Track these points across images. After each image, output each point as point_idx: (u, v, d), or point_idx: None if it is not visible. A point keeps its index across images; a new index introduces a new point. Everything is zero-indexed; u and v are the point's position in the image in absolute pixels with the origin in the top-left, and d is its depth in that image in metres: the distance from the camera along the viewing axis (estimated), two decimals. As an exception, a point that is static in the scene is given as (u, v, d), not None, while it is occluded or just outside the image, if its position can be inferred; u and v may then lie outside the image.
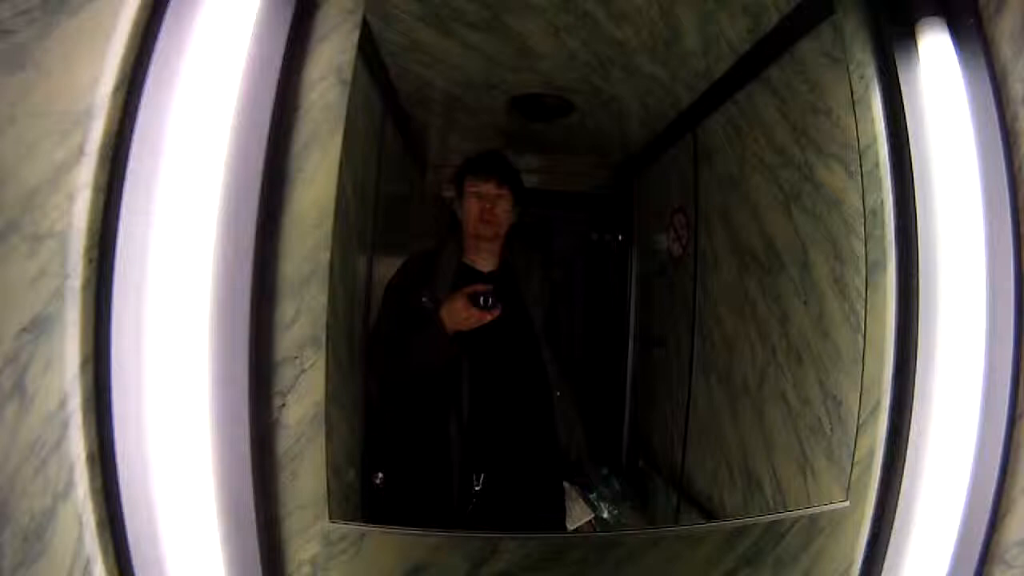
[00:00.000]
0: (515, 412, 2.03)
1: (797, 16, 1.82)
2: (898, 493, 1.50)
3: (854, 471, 1.57)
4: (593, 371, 4.01)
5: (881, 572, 1.56)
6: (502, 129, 2.92)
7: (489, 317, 1.87)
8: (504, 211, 2.09)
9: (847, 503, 1.57)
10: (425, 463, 1.98)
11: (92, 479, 1.02)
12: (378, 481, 2.00)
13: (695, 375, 2.64)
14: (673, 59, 2.21)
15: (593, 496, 2.60)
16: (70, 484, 0.99)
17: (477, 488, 1.92)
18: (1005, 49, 1.42)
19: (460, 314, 1.87)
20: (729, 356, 2.35)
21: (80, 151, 0.96)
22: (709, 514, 2.39)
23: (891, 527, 1.51)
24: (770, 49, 1.98)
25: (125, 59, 1.01)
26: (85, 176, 0.97)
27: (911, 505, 1.49)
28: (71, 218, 0.96)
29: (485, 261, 2.12)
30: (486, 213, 2.05)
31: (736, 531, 1.58)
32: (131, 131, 1.01)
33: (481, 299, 1.87)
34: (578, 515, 2.13)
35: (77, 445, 1.00)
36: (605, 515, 2.57)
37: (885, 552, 1.54)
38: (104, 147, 0.99)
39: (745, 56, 2.09)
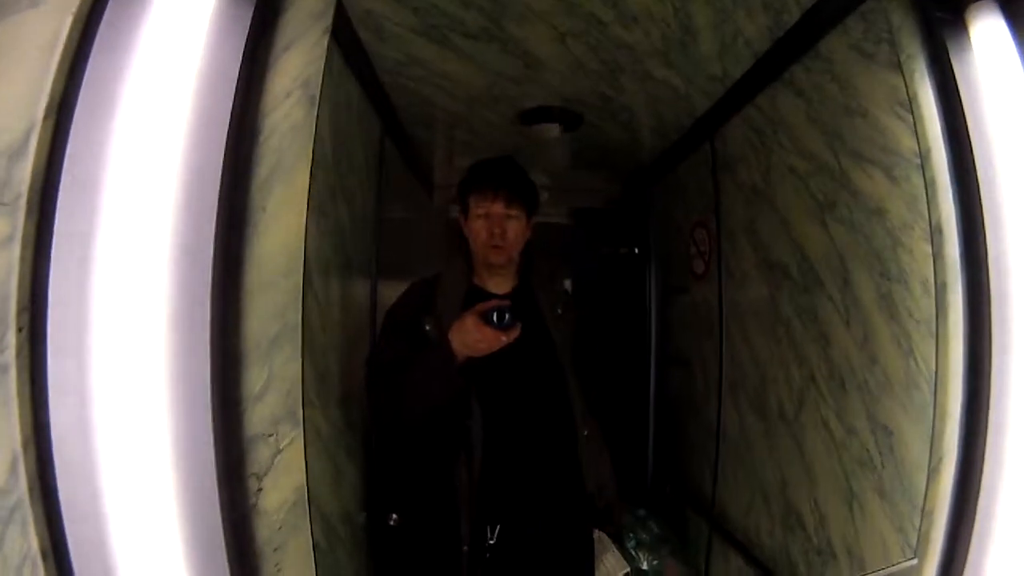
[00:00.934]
0: (535, 455, 1.79)
1: (821, 9, 1.67)
2: (966, 550, 1.32)
3: (923, 524, 1.39)
4: (614, 395, 3.91)
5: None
6: (509, 145, 2.80)
7: (505, 339, 1.60)
8: (517, 232, 1.82)
9: (915, 561, 1.40)
10: (432, 513, 1.78)
11: (47, 577, 0.88)
12: (392, 522, 1.86)
13: (724, 399, 2.50)
14: (687, 62, 2.07)
15: (631, 544, 2.45)
16: (16, 586, 0.84)
17: (491, 542, 1.71)
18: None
19: (471, 335, 1.60)
20: (761, 379, 2.20)
21: (-4, 199, 0.81)
22: (749, 554, 2.22)
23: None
24: (793, 47, 1.84)
25: (52, 85, 0.86)
26: (6, 229, 0.83)
27: (980, 563, 1.32)
28: (-9, 282, 0.81)
29: (498, 283, 1.89)
30: (496, 238, 1.79)
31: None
32: (59, 171, 0.85)
33: (495, 316, 1.59)
34: (611, 568, 1.93)
35: (25, 541, 0.85)
36: (644, 566, 2.42)
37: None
38: (29, 193, 0.84)
39: (766, 56, 1.95)
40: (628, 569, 1.99)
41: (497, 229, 1.79)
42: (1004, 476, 1.29)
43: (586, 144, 2.97)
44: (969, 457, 1.32)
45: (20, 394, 0.84)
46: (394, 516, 1.87)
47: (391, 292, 2.04)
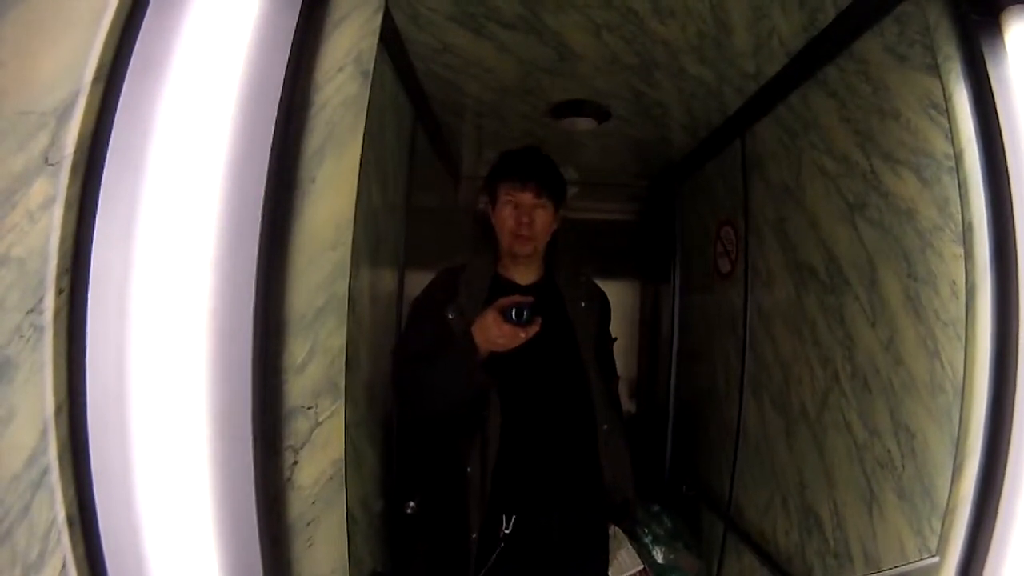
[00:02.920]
0: (553, 447, 1.80)
1: (857, 10, 1.66)
2: (987, 549, 1.32)
3: (945, 522, 1.38)
4: (633, 389, 3.91)
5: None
6: (540, 138, 2.80)
7: (524, 335, 1.61)
8: (544, 223, 1.83)
9: (936, 559, 1.39)
10: (448, 502, 1.78)
11: (74, 545, 0.88)
12: (409, 510, 1.87)
13: (745, 398, 2.49)
14: (721, 59, 2.07)
15: (648, 539, 2.44)
16: (44, 552, 0.85)
17: (506, 531, 1.72)
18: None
19: (491, 331, 1.62)
20: (785, 379, 2.19)
21: (43, 159, 0.82)
22: (764, 553, 2.22)
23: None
24: (827, 47, 1.84)
25: (102, 50, 0.86)
26: (50, 190, 0.83)
27: (999, 562, 1.31)
28: (33, 241, 0.82)
29: (523, 274, 1.90)
30: (523, 227, 1.80)
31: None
32: (107, 135, 0.85)
33: (514, 312, 1.60)
34: (626, 564, 1.93)
35: (52, 508, 0.86)
36: (660, 559, 2.41)
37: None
38: (76, 154, 0.84)
39: (799, 55, 1.94)
40: (642, 566, 1.98)
41: (525, 218, 1.79)
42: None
43: (616, 139, 2.96)
44: (993, 457, 1.31)
45: (56, 357, 0.84)
46: (411, 504, 1.88)
47: (415, 282, 2.05)
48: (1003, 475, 1.29)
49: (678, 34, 1.90)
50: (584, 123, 2.59)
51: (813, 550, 1.96)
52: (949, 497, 1.35)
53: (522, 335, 1.61)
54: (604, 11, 1.78)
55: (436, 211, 3.10)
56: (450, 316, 1.72)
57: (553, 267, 1.95)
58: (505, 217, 1.82)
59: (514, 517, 1.72)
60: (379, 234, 1.89)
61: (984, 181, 1.34)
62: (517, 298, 1.63)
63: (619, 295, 3.88)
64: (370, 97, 1.12)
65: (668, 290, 3.64)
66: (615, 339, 2.07)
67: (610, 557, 1.93)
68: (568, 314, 1.88)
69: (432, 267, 2.01)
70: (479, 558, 1.70)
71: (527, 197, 1.80)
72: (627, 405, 3.60)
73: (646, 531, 2.52)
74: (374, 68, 1.12)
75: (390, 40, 1.82)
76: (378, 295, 1.90)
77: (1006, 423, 1.29)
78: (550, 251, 1.93)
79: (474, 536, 1.69)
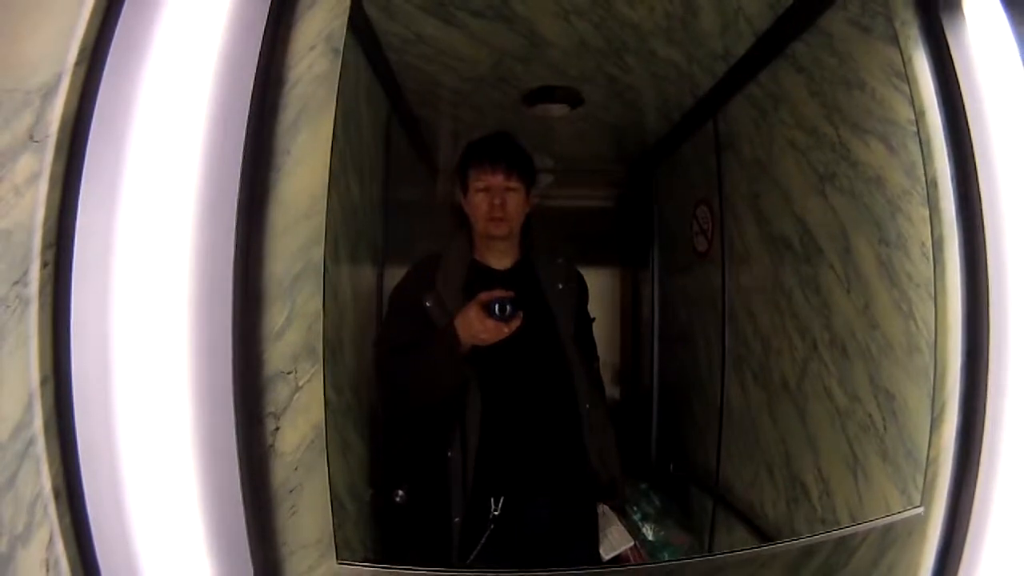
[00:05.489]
0: (536, 430, 1.82)
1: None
2: (972, 497, 1.35)
3: (928, 473, 1.42)
4: (617, 374, 3.92)
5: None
6: (515, 127, 2.80)
7: (507, 330, 1.63)
8: (517, 205, 1.85)
9: (920, 509, 1.42)
10: (437, 485, 1.78)
11: (60, 517, 0.89)
12: (398, 499, 1.87)
13: (727, 374, 2.51)
14: (689, 40, 2.09)
15: (637, 516, 2.46)
16: (30, 525, 0.86)
17: (495, 513, 1.74)
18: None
19: (474, 326, 1.63)
20: (765, 352, 2.22)
21: (29, 136, 0.85)
22: (754, 526, 2.24)
23: (964, 535, 1.37)
24: (793, 23, 1.86)
25: (85, 31, 0.89)
26: (35, 165, 0.86)
27: (985, 510, 1.35)
28: (19, 215, 0.84)
29: (499, 259, 1.91)
30: (496, 210, 1.82)
31: (805, 549, 1.43)
32: (90, 112, 0.89)
33: (496, 307, 1.62)
34: (616, 542, 1.94)
35: (38, 479, 0.87)
36: (650, 536, 2.43)
37: (958, 563, 1.39)
38: (60, 132, 0.87)
39: (767, 33, 1.96)
40: (633, 543, 2.00)
41: (497, 200, 1.81)
42: (1006, 421, 1.31)
43: (591, 125, 2.97)
44: (971, 404, 1.35)
45: (41, 329, 0.87)
46: (400, 493, 1.89)
47: (392, 277, 2.05)
48: (983, 419, 1.33)
49: (646, 16, 1.91)
50: (557, 109, 2.60)
51: (801, 518, 1.98)
52: (929, 447, 1.38)
53: (505, 330, 1.63)
54: (572, -5, 1.80)
55: (414, 205, 3.09)
56: (428, 304, 1.74)
57: (529, 251, 1.96)
58: (478, 203, 1.84)
59: (502, 499, 1.74)
60: (359, 227, 1.90)
61: (946, 138, 1.38)
62: (499, 292, 1.64)
63: (599, 282, 3.87)
64: (346, 90, 1.14)
65: (647, 274, 3.65)
66: (593, 319, 2.08)
67: (600, 535, 1.95)
68: (546, 297, 1.89)
69: (408, 263, 2.02)
70: (463, 543, 1.71)
71: (497, 180, 1.82)
72: (611, 391, 3.61)
73: (635, 509, 2.53)
74: (350, 60, 1.14)
75: (363, 33, 1.82)
76: (359, 286, 1.90)
77: (982, 368, 1.33)
78: (525, 234, 1.94)
79: (456, 520, 1.71)
